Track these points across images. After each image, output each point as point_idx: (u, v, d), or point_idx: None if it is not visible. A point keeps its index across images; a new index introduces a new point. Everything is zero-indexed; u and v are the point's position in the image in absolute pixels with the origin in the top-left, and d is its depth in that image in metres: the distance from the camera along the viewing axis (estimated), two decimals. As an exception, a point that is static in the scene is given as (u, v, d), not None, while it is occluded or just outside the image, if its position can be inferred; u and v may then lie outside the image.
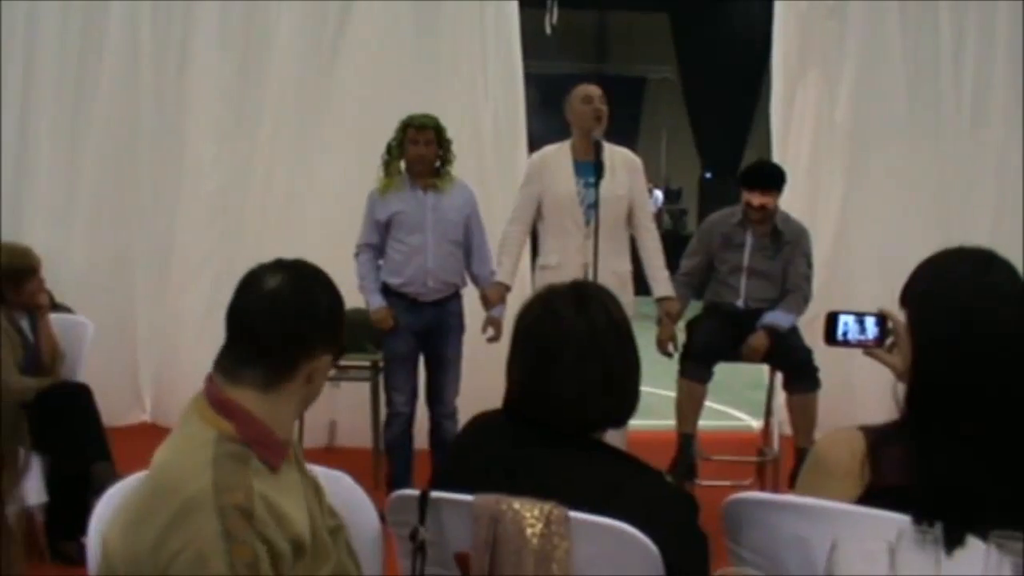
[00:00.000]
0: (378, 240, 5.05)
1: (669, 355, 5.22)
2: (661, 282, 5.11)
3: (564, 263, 4.89)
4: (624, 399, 2.02)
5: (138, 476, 1.97)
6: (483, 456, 2.03)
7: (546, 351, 1.97)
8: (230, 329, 1.92)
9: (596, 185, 4.83)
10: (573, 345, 1.96)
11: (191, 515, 1.69)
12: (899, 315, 1.95)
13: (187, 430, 1.86)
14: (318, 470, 2.12)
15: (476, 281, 5.20)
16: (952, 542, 1.67)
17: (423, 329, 5.05)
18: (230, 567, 1.67)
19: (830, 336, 2.07)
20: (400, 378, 5.06)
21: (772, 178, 5.23)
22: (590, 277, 4.60)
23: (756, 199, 5.15)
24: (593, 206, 4.83)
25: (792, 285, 5.23)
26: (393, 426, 5.08)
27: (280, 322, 1.89)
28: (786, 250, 5.25)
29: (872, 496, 1.81)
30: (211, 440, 1.81)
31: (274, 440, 1.88)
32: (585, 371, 1.95)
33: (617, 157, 5.05)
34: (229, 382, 1.88)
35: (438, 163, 5.04)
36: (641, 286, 5.12)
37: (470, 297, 5.25)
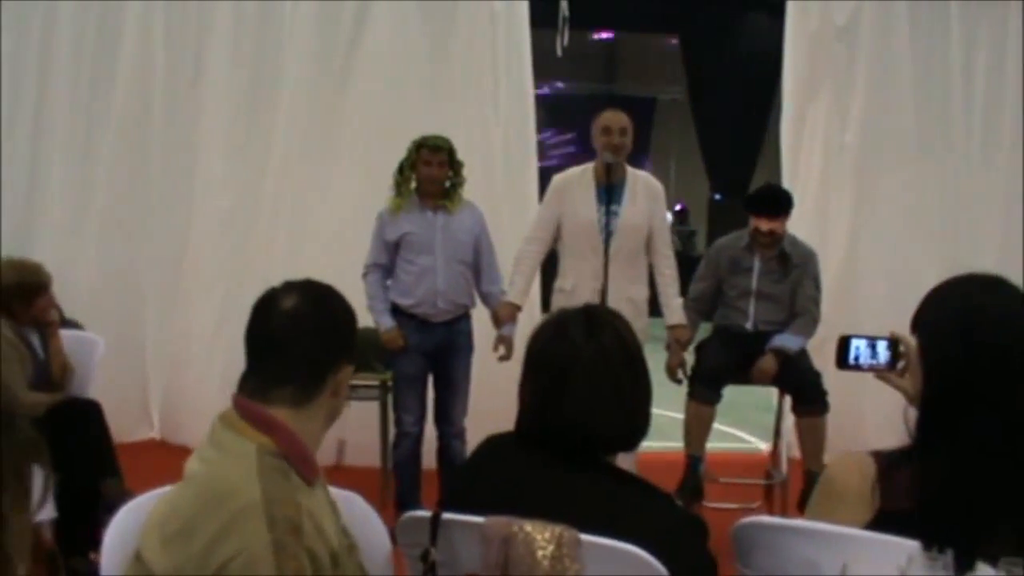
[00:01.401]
0: (387, 260, 5.06)
1: (679, 381, 5.24)
2: (674, 309, 5.14)
3: (578, 287, 4.93)
4: (635, 423, 2.02)
5: (155, 493, 1.98)
6: (495, 478, 2.03)
7: (557, 374, 1.98)
8: (253, 352, 1.96)
9: (608, 208, 4.86)
10: (584, 369, 1.97)
11: (242, 524, 1.71)
12: (911, 340, 1.96)
13: (225, 443, 1.88)
14: (330, 490, 2.13)
15: (486, 300, 5.21)
16: (962, 567, 1.67)
17: (432, 349, 5.05)
18: None
19: (842, 360, 2.07)
20: (409, 398, 5.06)
21: (780, 203, 5.23)
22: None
23: (765, 224, 5.15)
24: (612, 233, 4.87)
25: (800, 308, 5.23)
26: (401, 445, 5.08)
27: (305, 339, 1.93)
28: (794, 273, 5.24)
29: (882, 521, 1.81)
30: (252, 453, 1.83)
31: (309, 456, 1.92)
32: (596, 394, 1.96)
33: (640, 183, 5.09)
34: (261, 401, 1.91)
35: (448, 184, 5.06)
36: (655, 308, 5.14)
37: (479, 317, 5.26)
